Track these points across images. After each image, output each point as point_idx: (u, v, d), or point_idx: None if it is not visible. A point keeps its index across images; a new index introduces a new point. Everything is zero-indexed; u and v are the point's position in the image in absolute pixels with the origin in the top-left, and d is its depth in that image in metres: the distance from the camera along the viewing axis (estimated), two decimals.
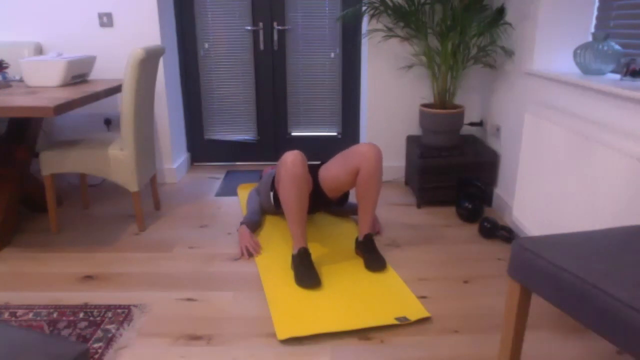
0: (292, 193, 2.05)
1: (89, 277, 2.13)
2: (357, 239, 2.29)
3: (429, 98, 3.20)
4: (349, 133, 3.65)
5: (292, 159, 2.06)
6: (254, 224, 2.48)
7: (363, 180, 2.16)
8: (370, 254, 2.18)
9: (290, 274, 2.11)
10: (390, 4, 2.86)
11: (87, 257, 2.30)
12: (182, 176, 3.46)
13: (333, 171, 2.27)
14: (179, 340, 1.71)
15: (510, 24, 2.65)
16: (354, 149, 2.21)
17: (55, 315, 1.84)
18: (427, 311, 1.85)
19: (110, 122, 3.18)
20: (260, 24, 3.41)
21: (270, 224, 2.62)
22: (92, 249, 2.38)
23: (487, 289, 2.03)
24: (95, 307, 1.89)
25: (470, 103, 3.21)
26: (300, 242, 2.11)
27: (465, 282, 2.09)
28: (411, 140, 3.08)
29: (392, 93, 3.19)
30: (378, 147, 2.18)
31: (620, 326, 1.02)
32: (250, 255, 2.30)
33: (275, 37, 3.43)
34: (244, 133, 3.66)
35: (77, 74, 2.63)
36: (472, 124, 3.14)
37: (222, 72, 3.52)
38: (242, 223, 2.45)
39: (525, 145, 2.24)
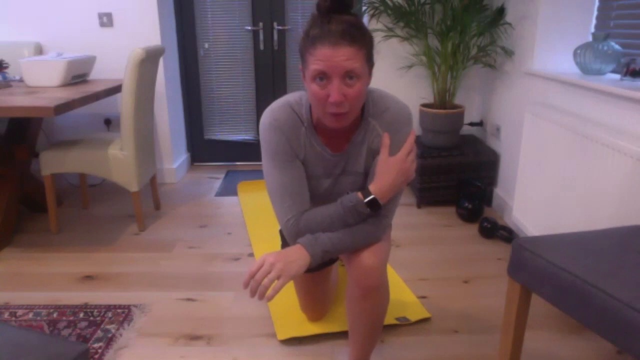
0: None
1: (89, 277, 2.13)
2: None
3: (429, 98, 3.20)
4: None
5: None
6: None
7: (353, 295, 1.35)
8: None
9: None
10: (390, 4, 2.86)
11: (87, 257, 2.30)
12: (182, 176, 3.46)
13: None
14: (179, 340, 1.71)
15: (510, 24, 2.65)
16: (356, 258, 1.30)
17: (55, 315, 1.84)
18: (427, 311, 1.85)
19: (110, 122, 3.18)
20: (260, 24, 3.40)
21: (272, 221, 2.62)
22: (92, 249, 2.38)
23: (487, 289, 2.03)
24: (95, 307, 1.89)
25: (470, 103, 3.21)
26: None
27: (465, 282, 2.08)
28: None
29: (392, 93, 3.18)
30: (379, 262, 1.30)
31: (620, 326, 1.02)
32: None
33: (275, 37, 3.43)
34: (243, 133, 3.66)
35: (77, 74, 2.63)
36: (472, 124, 3.14)
37: (222, 72, 3.52)
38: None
39: (525, 145, 2.24)
